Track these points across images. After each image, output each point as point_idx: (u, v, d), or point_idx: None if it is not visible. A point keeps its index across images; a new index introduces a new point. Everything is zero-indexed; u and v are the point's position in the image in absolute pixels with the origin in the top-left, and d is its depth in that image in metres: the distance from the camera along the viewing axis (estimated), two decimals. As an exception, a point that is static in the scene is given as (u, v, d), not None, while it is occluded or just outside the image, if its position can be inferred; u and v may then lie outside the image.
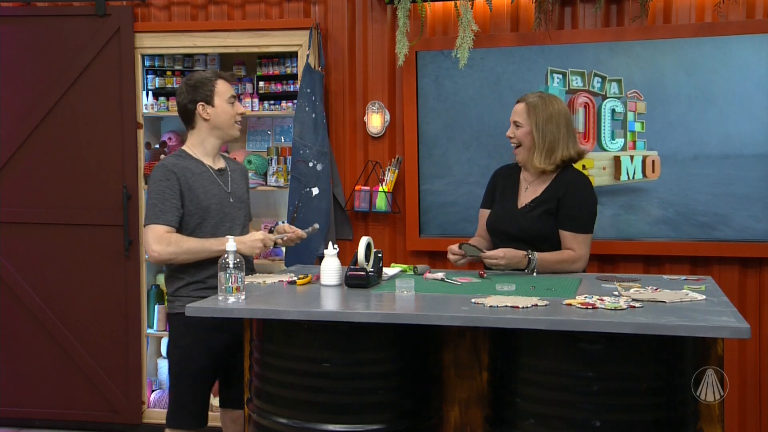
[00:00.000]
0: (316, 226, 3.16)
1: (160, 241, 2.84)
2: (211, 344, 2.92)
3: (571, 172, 3.10)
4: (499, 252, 2.94)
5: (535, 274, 2.94)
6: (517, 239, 3.04)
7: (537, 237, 3.04)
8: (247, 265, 3.00)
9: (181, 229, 2.92)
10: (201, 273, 2.94)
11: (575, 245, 3.02)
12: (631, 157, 3.86)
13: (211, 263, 2.88)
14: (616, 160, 3.87)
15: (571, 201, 3.04)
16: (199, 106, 3.00)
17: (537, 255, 2.95)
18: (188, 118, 3.03)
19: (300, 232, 3.10)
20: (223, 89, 3.02)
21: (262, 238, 2.96)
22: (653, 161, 3.84)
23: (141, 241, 4.32)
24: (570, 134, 3.08)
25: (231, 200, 3.04)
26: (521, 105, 3.11)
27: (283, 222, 3.24)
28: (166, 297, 3.08)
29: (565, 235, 3.03)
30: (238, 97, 3.13)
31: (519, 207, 3.12)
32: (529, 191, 3.13)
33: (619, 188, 3.87)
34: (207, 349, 2.92)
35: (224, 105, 3.02)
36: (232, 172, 3.12)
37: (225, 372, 3.04)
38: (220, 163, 3.09)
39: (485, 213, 3.27)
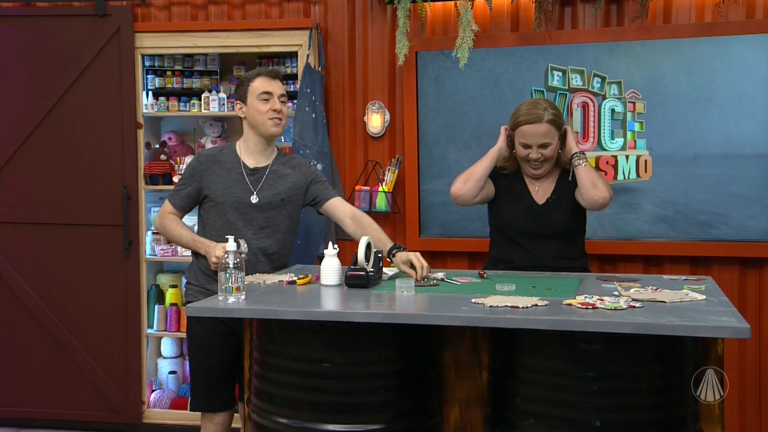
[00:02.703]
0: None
1: (161, 214, 3.10)
2: (220, 334, 2.99)
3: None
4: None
5: (584, 163, 3.05)
6: (543, 236, 3.08)
7: (565, 231, 3.06)
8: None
9: (199, 214, 3.12)
10: (208, 266, 3.00)
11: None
12: (627, 157, 3.87)
13: None
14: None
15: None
16: (237, 105, 3.11)
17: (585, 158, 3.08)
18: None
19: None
20: (257, 86, 3.05)
21: (217, 255, 2.85)
22: (645, 161, 3.85)
23: (141, 241, 4.32)
24: None
25: (253, 200, 3.03)
26: (544, 126, 3.03)
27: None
28: (184, 286, 3.14)
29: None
30: (281, 95, 3.08)
31: (540, 204, 3.14)
32: (541, 190, 3.16)
33: (618, 188, 3.87)
34: (217, 339, 2.99)
35: (255, 102, 3.04)
36: (273, 173, 3.08)
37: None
38: (263, 162, 3.09)
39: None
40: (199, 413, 3.07)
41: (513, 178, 3.20)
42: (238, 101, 3.09)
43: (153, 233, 4.39)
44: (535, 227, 3.11)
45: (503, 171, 3.22)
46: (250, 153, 3.09)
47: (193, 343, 3.04)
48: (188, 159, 4.31)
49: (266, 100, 3.04)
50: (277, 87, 3.08)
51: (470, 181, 3.13)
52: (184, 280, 3.25)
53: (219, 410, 3.04)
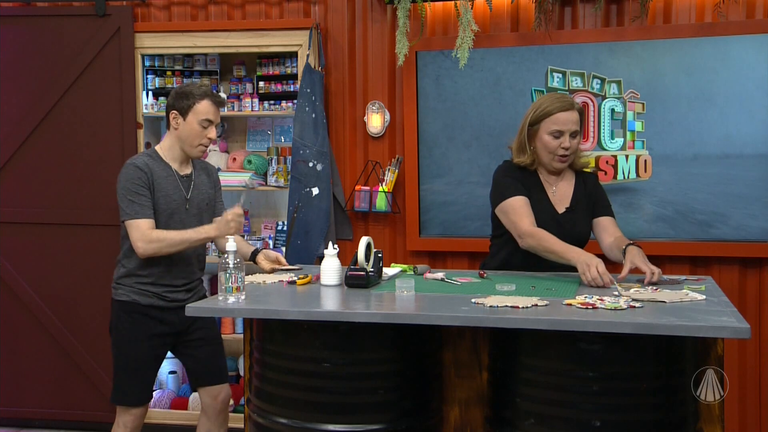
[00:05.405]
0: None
1: (143, 237, 2.96)
2: (150, 332, 3.06)
3: (580, 171, 3.15)
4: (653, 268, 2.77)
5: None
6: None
7: (585, 241, 3.00)
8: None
9: None
10: (145, 269, 3.05)
11: (617, 229, 3.05)
12: (627, 157, 3.87)
13: (157, 261, 3.02)
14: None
15: (600, 191, 3.12)
16: (172, 114, 3.07)
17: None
18: (166, 119, 3.11)
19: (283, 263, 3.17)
20: (202, 109, 3.04)
21: (229, 219, 3.00)
22: (645, 160, 3.85)
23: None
24: None
25: (187, 207, 3.10)
26: (575, 114, 2.94)
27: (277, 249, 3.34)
28: (122, 285, 3.12)
29: (610, 221, 3.06)
30: (218, 124, 3.12)
31: (560, 213, 3.02)
32: (558, 194, 3.06)
33: (618, 188, 3.87)
34: (146, 337, 3.05)
35: (194, 125, 3.04)
36: (197, 177, 3.17)
37: (182, 360, 3.24)
38: (187, 169, 3.15)
39: (527, 201, 2.96)
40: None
41: (528, 181, 3.04)
42: (174, 110, 3.06)
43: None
44: (558, 236, 2.87)
45: (528, 168, 3.04)
46: (175, 160, 3.11)
47: (122, 337, 3.07)
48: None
49: (205, 127, 3.06)
50: (218, 116, 3.11)
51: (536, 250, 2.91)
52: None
53: (140, 404, 3.09)
